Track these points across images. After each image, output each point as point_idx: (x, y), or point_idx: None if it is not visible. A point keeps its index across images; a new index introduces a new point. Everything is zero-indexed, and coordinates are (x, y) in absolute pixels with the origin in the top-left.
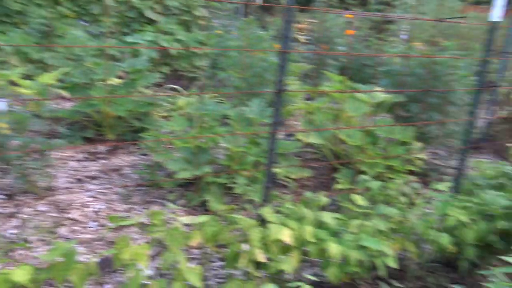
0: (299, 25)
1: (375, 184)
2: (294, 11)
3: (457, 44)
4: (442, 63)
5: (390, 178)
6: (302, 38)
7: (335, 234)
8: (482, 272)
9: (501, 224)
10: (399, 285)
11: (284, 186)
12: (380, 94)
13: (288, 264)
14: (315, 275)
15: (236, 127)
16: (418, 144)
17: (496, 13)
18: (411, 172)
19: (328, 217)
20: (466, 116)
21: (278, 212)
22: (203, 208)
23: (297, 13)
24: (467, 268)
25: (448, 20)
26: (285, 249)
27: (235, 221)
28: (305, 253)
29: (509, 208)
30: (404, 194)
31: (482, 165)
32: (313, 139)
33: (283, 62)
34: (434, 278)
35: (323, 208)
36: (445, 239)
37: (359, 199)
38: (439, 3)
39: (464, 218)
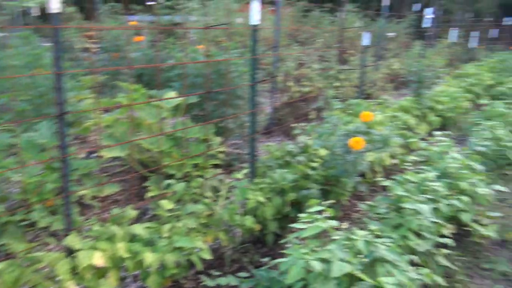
0: (88, 33)
1: (180, 186)
2: (62, 31)
3: (237, 43)
4: (223, 62)
5: (198, 176)
6: (93, 47)
7: (149, 243)
8: (283, 241)
9: (291, 196)
10: (218, 273)
11: (93, 207)
12: (174, 98)
13: (107, 286)
14: (140, 287)
15: (26, 156)
16: (217, 139)
17: (254, 18)
18: (217, 166)
19: (139, 229)
20: (251, 107)
21: (87, 236)
22: (3, 253)
23: (84, 21)
24: (273, 241)
25: (214, 27)
26: (101, 272)
27: (38, 259)
28: (125, 269)
29: (295, 181)
30: (210, 188)
31: (270, 148)
32: (116, 152)
33: (59, 84)
34: (248, 257)
35: (138, 220)
36: (249, 221)
37: (167, 204)
38: (216, 6)
39: (261, 198)
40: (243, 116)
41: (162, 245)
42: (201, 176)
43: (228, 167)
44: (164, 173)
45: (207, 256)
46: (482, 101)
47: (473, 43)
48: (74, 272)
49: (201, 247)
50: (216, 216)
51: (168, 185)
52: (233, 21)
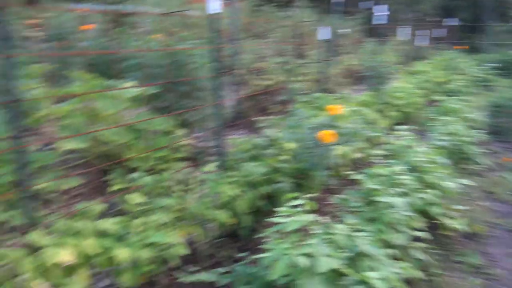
0: (31, 21)
1: (148, 179)
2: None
3: (192, 34)
4: (182, 53)
5: (162, 169)
6: (38, 35)
7: (120, 239)
8: (259, 235)
9: (264, 189)
10: (194, 268)
11: (54, 202)
12: (133, 89)
13: (77, 284)
14: (112, 284)
15: None
16: (181, 131)
17: (213, 6)
18: (181, 159)
19: (108, 224)
20: (214, 99)
21: (51, 232)
22: None
23: (28, 8)
24: (248, 234)
25: (171, 13)
26: (70, 269)
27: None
28: (95, 266)
29: (266, 174)
30: (179, 182)
31: (237, 141)
32: (73, 144)
33: (10, 68)
34: (224, 252)
35: (103, 215)
36: (222, 215)
37: (136, 197)
38: None
39: (234, 191)
40: (205, 109)
41: (134, 240)
42: (167, 170)
43: (193, 160)
44: (127, 167)
45: (183, 251)
46: (435, 97)
47: (420, 41)
48: (40, 269)
49: (175, 242)
50: (188, 210)
51: (136, 178)
52: (187, 12)
